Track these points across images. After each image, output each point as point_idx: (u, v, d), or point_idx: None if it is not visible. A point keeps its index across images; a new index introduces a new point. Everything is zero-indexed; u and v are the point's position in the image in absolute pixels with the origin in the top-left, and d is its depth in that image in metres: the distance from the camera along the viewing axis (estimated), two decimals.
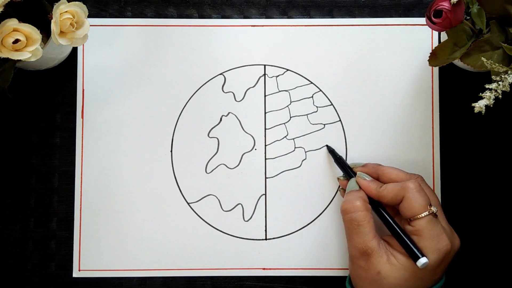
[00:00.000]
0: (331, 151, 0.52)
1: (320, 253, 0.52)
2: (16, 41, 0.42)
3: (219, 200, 0.52)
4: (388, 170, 0.47)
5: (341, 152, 0.52)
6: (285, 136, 0.53)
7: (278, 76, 0.53)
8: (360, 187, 0.47)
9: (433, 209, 0.43)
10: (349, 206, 0.45)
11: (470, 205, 0.52)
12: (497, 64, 0.39)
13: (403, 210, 0.44)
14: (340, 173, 0.51)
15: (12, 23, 0.42)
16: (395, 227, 0.45)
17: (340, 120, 0.53)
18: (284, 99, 0.53)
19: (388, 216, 0.46)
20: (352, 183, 0.48)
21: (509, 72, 0.39)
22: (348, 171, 0.49)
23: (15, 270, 0.52)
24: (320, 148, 0.53)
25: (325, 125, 0.53)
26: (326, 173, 0.52)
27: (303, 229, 0.52)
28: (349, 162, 0.52)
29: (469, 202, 0.52)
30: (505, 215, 0.52)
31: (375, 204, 0.47)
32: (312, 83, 0.53)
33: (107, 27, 0.54)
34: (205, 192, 0.52)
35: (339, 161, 0.51)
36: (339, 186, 0.51)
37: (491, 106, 0.40)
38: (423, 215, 0.43)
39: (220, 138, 0.53)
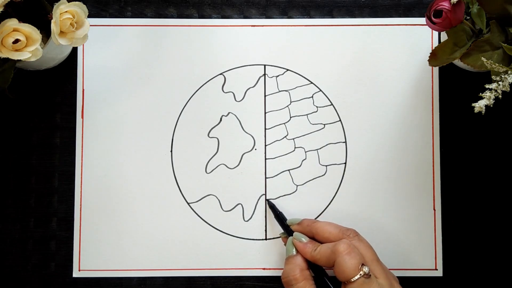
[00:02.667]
0: (271, 206, 0.51)
1: None
2: (16, 41, 0.42)
3: (219, 200, 0.52)
4: (322, 227, 0.47)
5: (341, 152, 0.52)
6: (285, 136, 0.53)
7: (278, 76, 0.53)
8: (297, 250, 0.47)
9: (365, 269, 0.42)
10: (288, 279, 0.45)
11: (470, 205, 0.52)
12: (497, 64, 0.39)
13: (337, 275, 0.43)
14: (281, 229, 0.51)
15: (12, 23, 0.42)
16: None
17: (340, 120, 0.53)
18: (284, 99, 0.53)
19: (328, 281, 0.46)
20: (289, 245, 0.47)
21: (509, 72, 0.39)
22: (286, 229, 0.49)
23: (15, 270, 0.52)
24: (320, 148, 0.53)
25: (325, 125, 0.53)
26: (326, 173, 0.52)
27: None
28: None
29: (469, 202, 0.52)
30: (505, 215, 0.52)
31: (315, 266, 0.46)
32: (312, 83, 0.53)
33: (107, 27, 0.54)
34: (205, 192, 0.52)
35: (279, 217, 0.50)
36: (284, 243, 0.50)
37: (491, 106, 0.40)
38: (355, 278, 0.42)
39: (220, 138, 0.53)
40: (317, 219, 0.52)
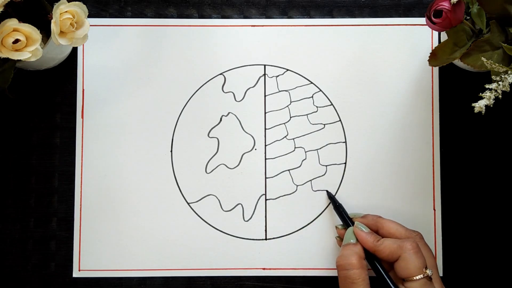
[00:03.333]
0: (331, 197, 0.51)
1: (320, 253, 0.52)
2: (16, 41, 0.42)
3: (219, 200, 0.52)
4: (387, 224, 0.47)
5: (341, 152, 0.52)
6: (285, 136, 0.53)
7: (278, 76, 0.53)
8: (357, 240, 0.47)
9: (428, 272, 0.43)
10: (344, 263, 0.45)
11: (470, 205, 0.52)
12: (497, 64, 0.39)
13: (398, 270, 0.44)
14: (338, 220, 0.51)
15: (12, 23, 0.42)
16: (390, 286, 0.45)
17: (340, 120, 0.53)
18: (284, 99, 0.53)
19: (384, 273, 0.45)
20: (349, 233, 0.47)
21: (509, 72, 0.39)
22: (346, 220, 0.49)
23: (15, 270, 0.52)
24: (320, 148, 0.53)
25: (325, 125, 0.53)
26: (326, 173, 0.52)
27: (303, 229, 0.52)
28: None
29: (469, 202, 0.52)
30: (505, 215, 0.52)
31: (371, 258, 0.46)
32: (312, 83, 0.53)
33: (107, 27, 0.54)
34: (205, 192, 0.52)
35: (338, 209, 0.50)
36: (337, 235, 0.50)
37: (491, 106, 0.40)
38: (417, 277, 0.43)
39: (220, 138, 0.53)
40: (318, 218, 0.52)
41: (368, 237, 0.46)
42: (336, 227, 0.50)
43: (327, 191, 0.52)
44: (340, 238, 0.49)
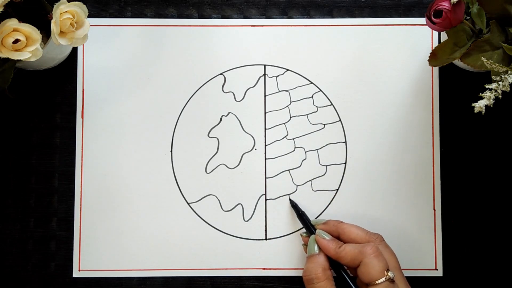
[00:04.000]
0: (294, 205, 0.51)
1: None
2: (16, 41, 0.42)
3: (219, 200, 0.52)
4: (348, 228, 0.47)
5: (341, 152, 0.52)
6: (285, 136, 0.53)
7: (278, 76, 0.53)
8: (319, 249, 0.47)
9: (390, 274, 0.43)
10: (309, 277, 0.45)
11: (470, 205, 0.52)
12: (497, 64, 0.39)
13: (360, 275, 0.44)
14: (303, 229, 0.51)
15: (12, 23, 0.42)
16: None
17: (340, 120, 0.53)
18: (284, 99, 0.53)
19: (349, 280, 0.46)
20: (311, 243, 0.47)
21: (509, 72, 0.39)
22: (309, 228, 0.49)
23: (15, 270, 0.52)
24: (320, 148, 0.53)
25: (325, 125, 0.53)
26: (326, 173, 0.52)
27: (303, 229, 0.52)
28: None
29: (469, 202, 0.52)
30: (505, 215, 0.52)
31: (336, 265, 0.46)
32: (312, 83, 0.53)
33: (107, 27, 0.54)
34: (205, 192, 0.52)
35: (302, 217, 0.50)
36: (303, 243, 0.50)
37: (491, 106, 0.40)
38: (379, 281, 0.43)
39: (220, 138, 0.53)
40: (318, 218, 0.52)
41: (330, 244, 0.46)
42: (301, 235, 0.50)
43: (289, 198, 0.52)
44: (306, 246, 0.49)
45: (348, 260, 0.45)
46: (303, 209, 0.51)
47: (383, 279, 0.43)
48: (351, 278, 0.46)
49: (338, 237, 0.48)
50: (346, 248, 0.45)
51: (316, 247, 0.47)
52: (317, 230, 0.48)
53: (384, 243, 0.47)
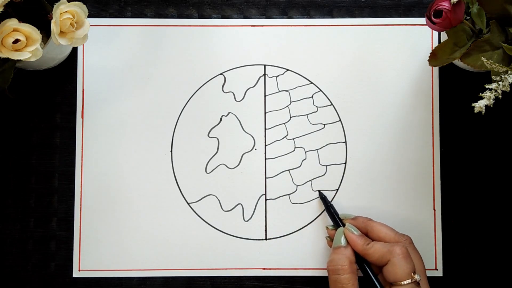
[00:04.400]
0: (322, 197, 0.51)
1: (320, 253, 0.52)
2: (16, 41, 0.42)
3: (219, 200, 0.52)
4: (377, 227, 0.47)
5: (341, 152, 0.52)
6: (285, 136, 0.53)
7: (278, 76, 0.53)
8: (347, 242, 0.47)
9: (417, 277, 0.43)
10: (335, 267, 0.45)
11: (470, 205, 0.52)
12: (497, 64, 0.39)
13: (387, 274, 0.44)
14: (329, 220, 0.51)
15: (12, 23, 0.42)
16: None
17: (340, 120, 0.53)
18: (284, 99, 0.53)
19: (373, 277, 0.46)
20: (339, 235, 0.47)
21: (509, 72, 0.39)
22: (337, 221, 0.49)
23: (15, 270, 0.52)
24: (320, 148, 0.53)
25: (325, 125, 0.53)
26: (326, 173, 0.52)
27: (303, 229, 0.52)
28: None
29: (469, 202, 0.52)
30: (505, 215, 0.52)
31: (361, 260, 0.46)
32: (312, 83, 0.53)
33: (107, 27, 0.54)
34: (205, 192, 0.52)
35: (329, 209, 0.50)
36: (327, 235, 0.51)
37: (491, 106, 0.40)
38: (405, 282, 0.43)
39: (220, 138, 0.53)
40: (318, 218, 0.52)
41: (358, 240, 0.46)
42: (327, 227, 0.50)
43: (319, 191, 0.52)
44: (331, 239, 0.49)
45: (376, 257, 0.44)
46: (330, 202, 0.51)
47: (409, 281, 0.43)
48: (375, 275, 0.46)
49: (366, 234, 0.47)
50: (375, 246, 0.45)
51: (343, 240, 0.47)
52: (346, 224, 0.48)
53: (412, 246, 0.46)
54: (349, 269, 0.45)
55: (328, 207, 0.50)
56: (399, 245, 0.44)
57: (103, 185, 0.52)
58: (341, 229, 0.48)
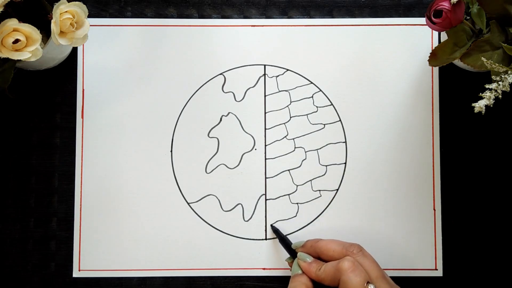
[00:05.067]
0: (275, 231, 0.51)
1: None
2: (16, 41, 0.42)
3: (219, 200, 0.52)
4: (325, 246, 0.46)
5: (341, 152, 0.52)
6: (285, 136, 0.53)
7: (278, 76, 0.53)
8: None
9: (370, 287, 0.41)
10: None
11: (470, 205, 0.52)
12: (497, 64, 0.39)
13: None
14: (287, 254, 0.50)
15: (12, 23, 0.42)
16: None
17: (340, 120, 0.53)
18: (284, 99, 0.53)
19: None
20: (295, 265, 0.47)
21: (509, 72, 0.39)
22: (292, 253, 0.49)
23: (15, 270, 0.52)
24: (320, 148, 0.53)
25: (325, 125, 0.53)
26: (326, 173, 0.52)
27: (303, 229, 0.52)
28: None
29: (469, 202, 0.52)
30: (505, 215, 0.52)
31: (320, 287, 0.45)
32: (312, 83, 0.53)
33: (107, 27, 0.54)
34: (205, 192, 0.52)
35: (283, 241, 0.50)
36: (290, 268, 0.50)
37: (491, 106, 0.40)
38: None
39: (220, 138, 0.53)
40: (318, 218, 0.52)
41: (310, 267, 0.45)
42: (286, 261, 0.50)
43: (271, 225, 0.52)
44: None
45: (329, 280, 0.43)
46: (283, 234, 0.51)
47: None
48: None
49: (318, 257, 0.46)
50: (326, 269, 0.44)
51: (299, 269, 0.46)
52: (298, 253, 0.47)
53: (362, 253, 0.45)
54: None
55: (282, 239, 0.50)
56: (345, 259, 0.43)
57: (103, 185, 0.52)
58: (295, 260, 0.47)
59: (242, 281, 0.52)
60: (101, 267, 0.52)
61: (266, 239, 0.52)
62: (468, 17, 0.44)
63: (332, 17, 0.54)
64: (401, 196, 0.52)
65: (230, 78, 0.53)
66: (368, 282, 0.41)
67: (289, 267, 0.50)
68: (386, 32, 0.53)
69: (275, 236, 0.52)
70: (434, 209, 0.52)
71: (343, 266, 0.42)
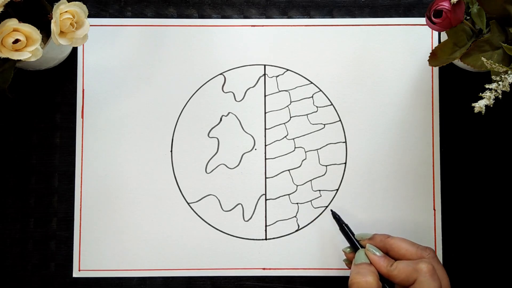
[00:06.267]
0: (336, 218, 0.50)
1: (320, 253, 0.52)
2: (16, 41, 0.42)
3: (219, 200, 0.52)
4: (397, 244, 0.45)
5: (341, 152, 0.52)
6: (285, 136, 0.53)
7: (278, 76, 0.53)
8: (370, 262, 0.44)
9: None
10: (361, 281, 0.42)
11: (470, 205, 0.52)
12: (497, 64, 0.39)
13: None
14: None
15: (12, 23, 0.42)
16: None
17: (340, 120, 0.53)
18: (284, 99, 0.53)
19: None
20: (361, 255, 0.45)
21: (509, 72, 0.39)
22: (354, 243, 0.47)
23: (15, 270, 0.52)
24: (320, 148, 0.53)
25: (325, 125, 0.53)
26: (326, 173, 0.52)
27: (303, 229, 0.52)
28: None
29: (469, 202, 0.52)
30: (505, 215, 0.52)
31: (385, 283, 0.44)
32: (312, 83, 0.53)
33: (107, 27, 0.54)
34: (205, 192, 0.52)
35: (345, 230, 0.48)
36: (344, 258, 0.49)
37: (491, 106, 0.40)
38: None
39: (220, 138, 0.53)
40: (318, 218, 0.52)
41: (381, 262, 0.44)
42: (344, 251, 0.48)
43: (331, 210, 0.51)
44: (349, 261, 0.47)
45: (401, 278, 0.42)
46: (346, 222, 0.49)
47: None
48: None
49: (387, 253, 0.45)
50: (399, 266, 0.43)
51: (366, 258, 0.45)
52: (367, 245, 0.46)
53: (436, 259, 0.44)
54: (375, 284, 0.42)
55: (343, 228, 0.49)
56: (424, 262, 0.42)
57: (103, 185, 0.52)
58: (362, 250, 0.46)
59: (242, 281, 0.52)
60: (101, 267, 0.52)
61: (266, 239, 0.52)
62: (468, 17, 0.44)
63: (332, 17, 0.54)
64: (401, 196, 0.52)
65: (230, 78, 0.53)
66: None
67: (344, 261, 0.49)
68: (386, 32, 0.53)
69: (275, 236, 0.52)
70: (434, 209, 0.52)
71: (422, 268, 0.42)
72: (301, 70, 0.53)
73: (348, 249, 0.48)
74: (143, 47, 0.53)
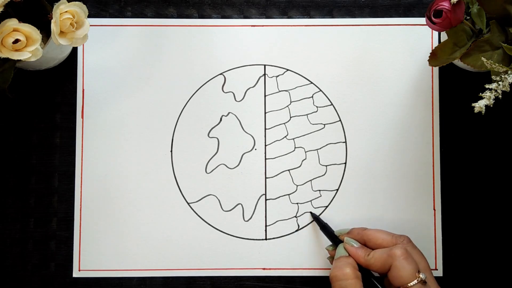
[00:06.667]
0: (315, 218, 0.51)
1: (320, 253, 0.52)
2: (16, 41, 0.42)
3: (219, 200, 0.52)
4: (373, 234, 0.47)
5: (341, 152, 0.52)
6: (285, 136, 0.53)
7: (278, 76, 0.53)
8: (348, 254, 0.46)
9: (422, 276, 0.42)
10: (338, 273, 0.44)
11: (470, 205, 0.52)
12: (497, 64, 0.39)
13: (392, 279, 0.43)
14: (327, 241, 0.50)
15: (12, 23, 0.42)
16: None
17: (340, 120, 0.53)
18: (284, 99, 0.53)
19: (380, 286, 0.45)
20: (340, 249, 0.47)
21: (509, 72, 0.39)
22: (334, 239, 0.49)
23: (15, 270, 0.52)
24: (320, 148, 0.53)
25: (325, 125, 0.53)
26: (326, 173, 0.52)
27: (303, 229, 0.52)
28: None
29: (469, 202, 0.52)
30: (505, 215, 0.52)
31: (366, 274, 0.46)
32: (312, 83, 0.53)
33: (107, 27, 0.54)
34: (205, 192, 0.52)
35: (325, 228, 0.50)
36: (328, 256, 0.50)
37: (491, 106, 0.40)
38: (412, 284, 0.42)
39: (220, 138, 0.53)
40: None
41: (359, 252, 0.46)
42: (327, 248, 0.50)
43: (310, 212, 0.52)
44: (333, 258, 0.49)
45: (378, 266, 0.44)
46: (325, 221, 0.51)
47: (415, 281, 0.42)
48: (382, 285, 0.46)
49: (365, 244, 0.47)
50: (375, 254, 0.45)
51: (345, 252, 0.47)
52: (345, 238, 0.48)
53: (411, 244, 0.46)
54: (353, 274, 0.44)
55: (323, 227, 0.50)
56: (398, 247, 0.44)
57: (103, 185, 0.52)
58: (341, 244, 0.48)
59: (242, 281, 0.52)
60: (101, 267, 0.52)
61: (266, 239, 0.52)
62: (468, 17, 0.44)
63: (332, 17, 0.54)
64: (401, 196, 0.52)
65: (230, 78, 0.53)
66: (419, 271, 0.43)
67: (328, 259, 0.50)
68: (386, 32, 0.53)
69: (275, 236, 0.52)
70: (434, 209, 0.52)
71: (396, 253, 0.43)
72: (301, 70, 0.53)
73: (331, 247, 0.49)
74: (143, 47, 0.53)
